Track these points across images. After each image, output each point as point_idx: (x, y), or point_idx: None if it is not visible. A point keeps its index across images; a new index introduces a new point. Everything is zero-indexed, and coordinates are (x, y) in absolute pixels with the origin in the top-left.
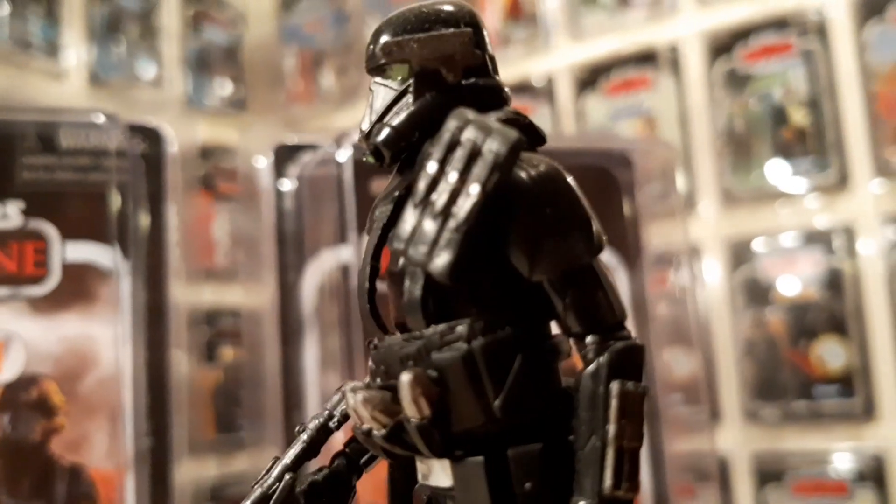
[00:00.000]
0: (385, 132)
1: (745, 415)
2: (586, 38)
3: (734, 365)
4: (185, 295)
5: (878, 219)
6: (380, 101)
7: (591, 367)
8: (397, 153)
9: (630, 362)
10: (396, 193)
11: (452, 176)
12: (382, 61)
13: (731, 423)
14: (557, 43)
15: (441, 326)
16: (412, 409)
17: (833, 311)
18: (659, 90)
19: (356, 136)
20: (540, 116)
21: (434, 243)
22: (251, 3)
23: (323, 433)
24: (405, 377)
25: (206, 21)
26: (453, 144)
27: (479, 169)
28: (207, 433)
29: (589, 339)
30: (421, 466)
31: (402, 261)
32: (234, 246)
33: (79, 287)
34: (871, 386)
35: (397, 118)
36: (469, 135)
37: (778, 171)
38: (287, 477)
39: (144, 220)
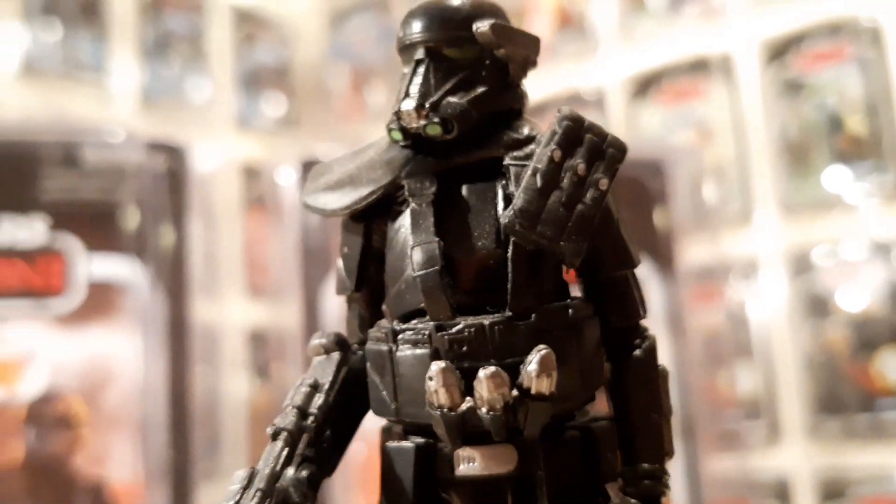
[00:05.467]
0: (463, 107)
1: (806, 430)
2: (637, 46)
3: (795, 379)
4: (238, 314)
5: None
6: (452, 74)
7: (638, 353)
8: (465, 129)
9: (657, 350)
10: (424, 173)
11: (581, 166)
12: (485, 40)
13: (793, 439)
14: (608, 52)
15: (548, 308)
16: (545, 385)
17: (894, 322)
18: (712, 99)
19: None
20: None
21: (563, 227)
22: (301, 22)
23: (300, 433)
24: (541, 353)
25: (257, 41)
26: (576, 139)
27: (604, 166)
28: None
29: (632, 330)
30: (465, 455)
31: (500, 240)
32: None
33: (102, 302)
34: None
35: (470, 96)
36: (590, 134)
37: (835, 180)
38: (279, 487)
39: (169, 236)
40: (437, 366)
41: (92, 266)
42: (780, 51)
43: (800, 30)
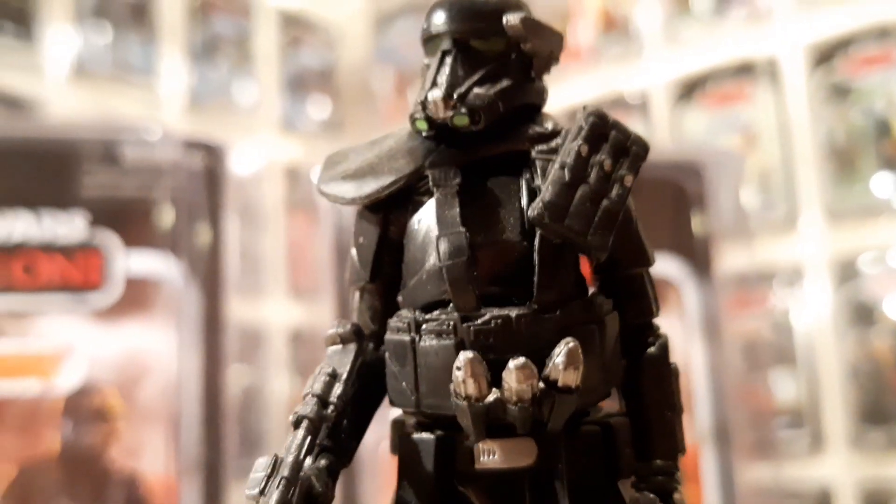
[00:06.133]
0: (491, 99)
1: (849, 440)
2: (682, 50)
3: (839, 388)
4: (281, 314)
5: None
6: (479, 66)
7: (652, 350)
8: (491, 121)
9: (670, 349)
10: (449, 164)
11: (607, 162)
12: (515, 32)
13: (836, 449)
14: (652, 55)
15: (574, 302)
16: (572, 378)
17: None
18: (757, 103)
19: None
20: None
21: (590, 221)
22: (346, 25)
23: (321, 422)
24: (568, 346)
25: (302, 44)
26: (602, 135)
27: (629, 163)
28: None
29: (646, 328)
30: (486, 448)
31: (525, 233)
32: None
33: (138, 297)
34: None
35: (496, 88)
36: (615, 131)
37: (883, 186)
38: (302, 475)
39: (205, 234)
40: (465, 356)
41: (129, 262)
42: (827, 55)
43: (847, 33)
